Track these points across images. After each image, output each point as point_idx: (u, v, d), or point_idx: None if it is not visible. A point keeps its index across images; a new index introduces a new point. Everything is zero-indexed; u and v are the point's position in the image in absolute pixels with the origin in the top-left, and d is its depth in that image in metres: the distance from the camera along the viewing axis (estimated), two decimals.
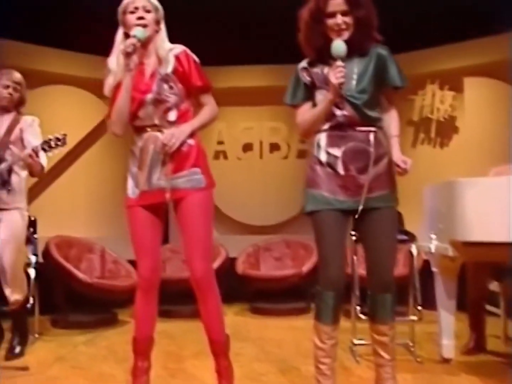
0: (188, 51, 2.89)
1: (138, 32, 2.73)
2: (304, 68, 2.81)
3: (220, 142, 7.07)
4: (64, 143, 3.49)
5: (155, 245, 2.91)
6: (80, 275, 5.12)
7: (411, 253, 4.03)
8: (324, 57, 2.69)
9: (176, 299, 5.08)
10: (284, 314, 5.70)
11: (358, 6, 2.63)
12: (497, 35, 5.69)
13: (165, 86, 2.80)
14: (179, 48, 2.88)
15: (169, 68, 2.82)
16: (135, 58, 2.75)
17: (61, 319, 5.12)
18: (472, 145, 6.10)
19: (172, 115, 2.82)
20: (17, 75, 4.04)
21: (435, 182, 3.98)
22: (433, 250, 3.55)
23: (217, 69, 6.13)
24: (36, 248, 4.50)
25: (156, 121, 2.81)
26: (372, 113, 2.70)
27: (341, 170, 2.67)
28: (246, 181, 7.03)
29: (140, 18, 2.79)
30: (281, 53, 5.82)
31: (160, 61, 2.83)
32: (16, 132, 3.93)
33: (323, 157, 2.70)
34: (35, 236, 4.43)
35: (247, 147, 7.20)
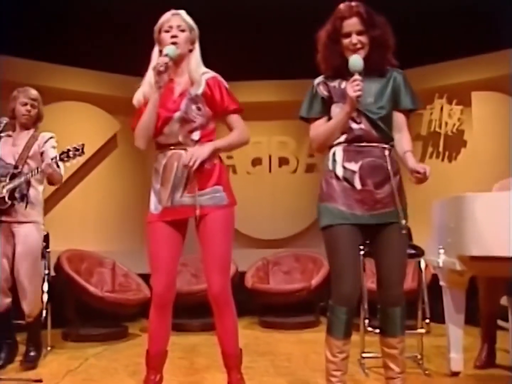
0: (219, 77, 2.94)
1: (169, 50, 2.77)
2: (322, 82, 2.85)
3: (229, 157, 7.04)
4: (82, 153, 3.64)
5: (172, 262, 2.92)
6: (91, 288, 5.17)
7: (419, 267, 4.04)
8: (342, 74, 2.74)
9: (185, 312, 5.10)
10: (293, 327, 5.70)
11: (373, 26, 2.70)
12: (505, 50, 5.71)
13: (193, 107, 2.85)
14: (210, 73, 2.93)
15: (199, 90, 2.86)
16: (165, 77, 2.78)
17: (72, 332, 5.14)
18: (480, 159, 6.10)
19: (196, 134, 2.86)
20: (33, 92, 4.11)
21: (443, 196, 4.00)
22: (441, 264, 3.56)
23: None
24: (49, 262, 4.54)
25: (181, 139, 2.85)
26: (387, 130, 2.75)
27: (358, 185, 2.69)
28: (255, 195, 7.03)
29: (174, 36, 2.85)
30: (290, 68, 5.87)
31: (192, 82, 2.88)
32: (34, 148, 4.02)
33: (340, 171, 2.73)
34: (48, 250, 4.48)
35: (256, 162, 7.24)
